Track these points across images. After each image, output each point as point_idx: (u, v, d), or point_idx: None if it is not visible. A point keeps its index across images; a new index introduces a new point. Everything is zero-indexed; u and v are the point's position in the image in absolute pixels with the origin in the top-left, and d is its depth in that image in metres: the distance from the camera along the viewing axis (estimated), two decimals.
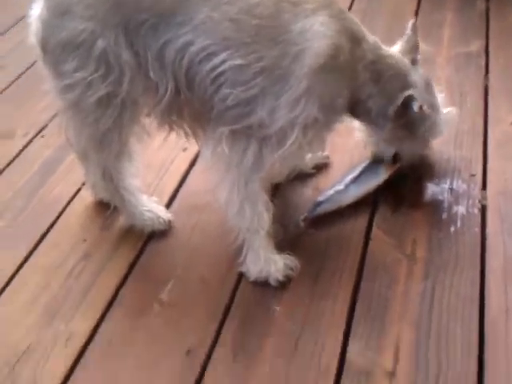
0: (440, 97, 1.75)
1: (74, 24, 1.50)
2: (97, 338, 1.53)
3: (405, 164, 1.80)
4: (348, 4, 2.76)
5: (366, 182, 1.80)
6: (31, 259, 1.74)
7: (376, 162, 1.83)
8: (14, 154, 2.11)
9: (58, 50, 1.54)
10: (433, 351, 1.42)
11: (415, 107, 1.59)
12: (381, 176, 1.80)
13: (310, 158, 1.89)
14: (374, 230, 1.72)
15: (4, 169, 2.06)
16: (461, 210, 1.75)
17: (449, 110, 1.79)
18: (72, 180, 1.96)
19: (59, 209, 1.88)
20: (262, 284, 1.60)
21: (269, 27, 1.48)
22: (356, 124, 1.76)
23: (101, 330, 1.54)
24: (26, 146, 2.15)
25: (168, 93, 1.54)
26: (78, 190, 1.93)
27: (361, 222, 1.74)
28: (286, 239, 1.68)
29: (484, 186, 1.82)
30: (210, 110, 1.55)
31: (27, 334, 1.55)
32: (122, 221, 1.80)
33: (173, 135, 1.69)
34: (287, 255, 1.63)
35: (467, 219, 1.72)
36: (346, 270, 1.62)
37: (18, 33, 2.75)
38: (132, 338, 1.52)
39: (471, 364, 1.40)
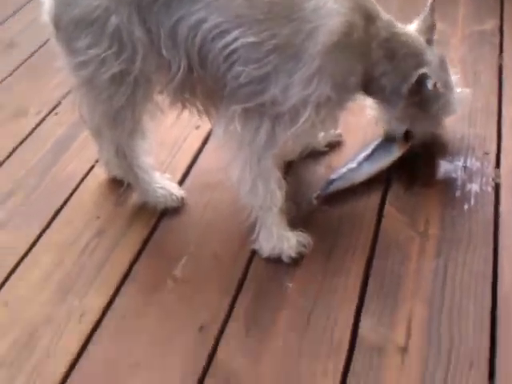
0: (454, 77, 1.74)
1: (87, 1, 1.50)
2: (110, 313, 1.53)
3: (417, 142, 1.79)
4: None
5: (379, 160, 1.80)
6: (44, 236, 1.75)
7: (389, 140, 1.82)
8: (27, 132, 2.11)
9: (71, 27, 1.54)
10: (445, 327, 1.43)
11: (429, 85, 1.58)
12: (393, 154, 1.79)
13: (322, 136, 1.89)
14: (387, 207, 1.72)
15: (17, 147, 2.06)
16: (474, 187, 1.75)
17: (462, 89, 1.79)
18: (85, 157, 1.97)
19: (72, 186, 1.89)
20: (275, 261, 1.60)
21: (282, 4, 1.48)
22: (368, 102, 1.76)
23: (114, 305, 1.55)
24: (39, 124, 2.15)
25: (181, 70, 1.54)
26: (92, 168, 1.93)
27: (373, 199, 1.74)
28: (298, 216, 1.68)
29: (498, 164, 1.81)
30: (223, 88, 1.54)
31: (41, 311, 1.56)
32: (135, 198, 1.81)
33: (185, 113, 1.69)
34: (300, 232, 1.63)
35: (481, 197, 1.72)
36: (358, 247, 1.62)
37: (30, 11, 2.76)
38: (145, 313, 1.53)
39: (483, 340, 1.40)
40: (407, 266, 1.57)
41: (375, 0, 1.58)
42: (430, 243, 1.62)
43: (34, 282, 1.64)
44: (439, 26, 1.74)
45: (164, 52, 1.52)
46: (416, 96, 1.61)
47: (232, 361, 1.41)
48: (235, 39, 1.48)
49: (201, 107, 1.67)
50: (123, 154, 1.74)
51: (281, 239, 1.61)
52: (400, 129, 1.77)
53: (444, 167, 1.82)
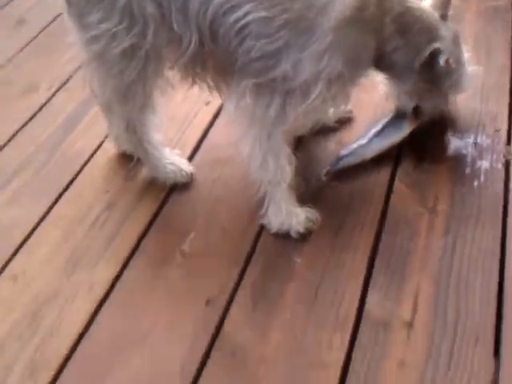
0: (467, 54, 1.73)
1: None
2: (118, 286, 1.55)
3: (427, 118, 1.78)
4: None
5: (389, 137, 1.79)
6: (54, 211, 1.76)
7: (399, 116, 1.81)
8: (37, 108, 2.12)
9: (82, 1, 1.54)
10: (452, 302, 1.43)
11: (441, 61, 1.57)
12: (404, 130, 1.78)
13: (333, 112, 1.88)
14: (396, 183, 1.71)
15: (27, 122, 2.07)
16: (484, 164, 1.74)
17: (474, 67, 1.77)
18: (95, 133, 1.97)
19: (82, 161, 1.89)
20: (283, 236, 1.61)
21: None
22: (379, 77, 1.75)
23: (123, 278, 1.56)
24: (49, 100, 2.15)
25: (192, 45, 1.53)
26: (101, 143, 1.94)
27: (383, 175, 1.74)
28: (307, 192, 1.68)
29: (509, 141, 1.80)
30: (234, 63, 1.54)
31: (50, 283, 1.58)
32: (144, 173, 1.81)
33: (196, 89, 1.68)
34: (309, 208, 1.63)
35: (490, 174, 1.71)
36: (367, 223, 1.62)
37: None
38: (153, 286, 1.54)
39: (490, 316, 1.40)
40: (416, 242, 1.56)
41: None
42: (439, 219, 1.61)
43: (43, 255, 1.65)
44: (454, 0, 1.73)
45: (175, 26, 1.52)
46: (428, 71, 1.60)
47: (239, 334, 1.41)
48: (246, 14, 1.48)
49: (211, 83, 1.67)
50: (133, 129, 1.74)
51: (289, 215, 1.61)
52: (410, 105, 1.76)
53: (454, 144, 1.81)
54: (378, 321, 1.41)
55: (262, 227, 1.63)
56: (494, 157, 1.76)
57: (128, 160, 1.83)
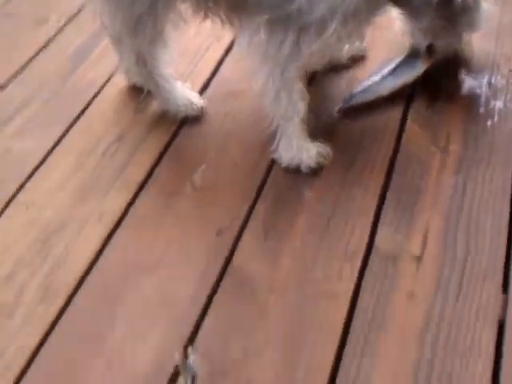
0: None
1: None
2: (129, 215, 1.55)
3: (441, 57, 1.76)
4: None
5: (402, 75, 1.77)
6: (64, 141, 1.76)
7: (413, 55, 1.79)
8: (47, 40, 2.10)
9: None
10: (461, 239, 1.43)
11: None
12: (417, 69, 1.76)
13: (347, 49, 1.86)
14: (409, 122, 1.70)
15: (37, 54, 2.05)
16: (498, 104, 1.72)
17: (490, 6, 1.75)
18: (105, 65, 1.95)
19: (92, 93, 1.88)
20: (294, 171, 1.61)
21: None
22: (394, 14, 1.72)
23: (134, 207, 1.57)
24: (59, 32, 2.13)
25: None
26: (112, 76, 1.92)
27: (395, 114, 1.73)
28: (319, 129, 1.67)
29: None
30: None
31: (60, 212, 1.58)
32: (155, 105, 1.80)
33: (208, 23, 1.66)
34: (320, 143, 1.62)
35: (504, 114, 1.70)
36: (378, 160, 1.62)
37: None
38: (164, 216, 1.54)
39: (499, 255, 1.40)
40: (427, 181, 1.56)
41: None
42: (451, 159, 1.61)
43: (54, 184, 1.65)
44: None
45: None
46: (445, 8, 1.58)
47: (249, 263, 1.42)
48: None
49: (224, 17, 1.64)
50: (144, 62, 1.72)
51: (300, 150, 1.61)
52: (424, 42, 1.73)
53: (468, 83, 1.79)
54: (388, 254, 1.41)
55: (273, 161, 1.63)
56: (508, 97, 1.74)
57: (138, 93, 1.82)
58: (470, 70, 1.81)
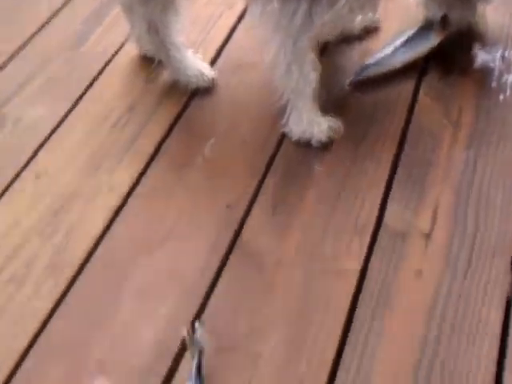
0: None
1: None
2: (140, 186, 1.55)
3: (454, 30, 1.74)
4: None
5: (415, 47, 1.75)
6: (75, 111, 1.76)
7: (426, 27, 1.77)
8: (59, 6, 2.09)
9: None
10: (471, 215, 1.42)
11: None
12: (430, 41, 1.74)
13: (359, 21, 1.83)
14: (421, 95, 1.69)
15: (48, 21, 2.04)
16: (511, 78, 1.70)
17: None
18: (116, 34, 1.95)
19: (103, 62, 1.88)
20: (305, 145, 1.60)
21: None
22: None
23: (144, 179, 1.57)
24: (69, 0, 2.12)
25: None
26: (123, 44, 1.91)
27: (408, 87, 1.71)
28: (330, 102, 1.66)
29: None
30: None
31: (71, 182, 1.59)
32: (166, 76, 1.79)
33: None
34: (331, 117, 1.61)
35: None
36: (389, 134, 1.60)
37: None
38: (175, 189, 1.54)
39: (509, 231, 1.39)
40: (438, 155, 1.55)
41: None
42: (463, 133, 1.60)
43: (65, 155, 1.66)
44: None
45: None
46: None
47: (258, 237, 1.42)
48: None
49: None
50: (155, 30, 1.71)
51: (311, 123, 1.59)
52: (438, 13, 1.72)
53: (481, 57, 1.76)
54: (397, 230, 1.41)
55: (284, 135, 1.62)
56: None
57: (150, 62, 1.81)
58: (484, 43, 1.79)
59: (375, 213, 1.44)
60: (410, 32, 1.78)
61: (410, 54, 1.74)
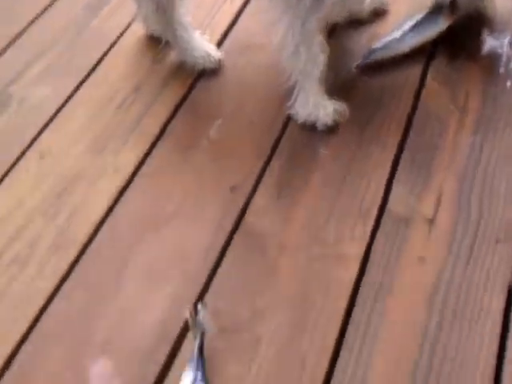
0: None
1: None
2: (145, 167, 1.55)
3: (463, 15, 1.73)
4: None
5: (423, 32, 1.74)
6: (81, 91, 1.76)
7: (435, 11, 1.75)
8: None
9: None
10: (475, 202, 1.42)
11: None
12: (439, 26, 1.73)
13: (368, 3, 1.82)
14: (428, 80, 1.68)
15: (53, 2, 2.03)
16: None
17: None
18: (123, 14, 1.94)
19: (110, 42, 1.88)
20: (310, 128, 1.59)
21: None
22: None
23: (149, 160, 1.57)
24: None
25: None
26: (130, 24, 1.90)
27: (415, 71, 1.70)
28: (337, 85, 1.65)
29: None
30: None
31: (76, 163, 1.59)
32: (173, 56, 1.79)
33: None
34: (337, 101, 1.60)
35: None
36: (396, 118, 1.60)
37: None
38: (179, 170, 1.55)
39: None
40: (444, 140, 1.54)
41: None
42: (469, 118, 1.59)
43: (70, 135, 1.66)
44: None
45: None
46: None
47: (262, 220, 1.42)
48: None
49: None
50: (163, 9, 1.71)
51: (317, 106, 1.59)
52: None
53: (489, 43, 1.75)
54: (401, 216, 1.41)
55: (290, 118, 1.62)
56: None
57: (156, 43, 1.80)
58: (492, 28, 1.78)
59: (380, 197, 1.44)
60: (419, 16, 1.77)
61: (418, 39, 1.73)
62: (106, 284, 1.35)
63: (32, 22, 1.97)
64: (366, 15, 1.83)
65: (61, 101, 1.72)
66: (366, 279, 1.30)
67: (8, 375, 1.22)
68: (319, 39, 1.55)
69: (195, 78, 1.75)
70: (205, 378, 1.15)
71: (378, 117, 1.61)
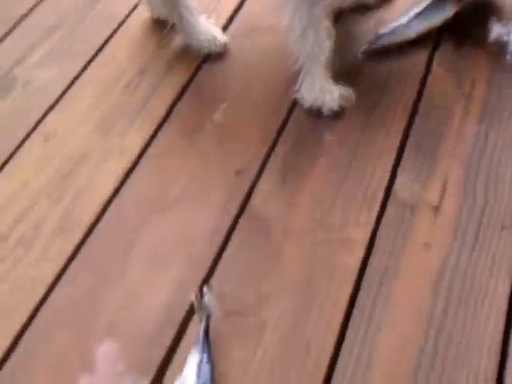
0: None
1: None
2: (150, 151, 1.55)
3: (470, 1, 1.72)
4: None
5: (430, 18, 1.73)
6: (86, 72, 1.76)
7: None
8: None
9: None
10: (480, 189, 1.42)
11: None
12: (446, 12, 1.72)
13: None
14: (434, 67, 1.67)
15: None
16: None
17: None
18: None
19: (115, 24, 1.87)
20: (316, 113, 1.59)
21: None
22: None
23: (154, 144, 1.57)
24: None
25: None
26: (135, 6, 1.90)
27: (421, 58, 1.69)
28: (343, 70, 1.64)
29: None
30: None
31: (81, 144, 1.59)
32: (178, 40, 1.78)
33: None
34: (343, 86, 1.60)
35: None
36: (402, 104, 1.60)
37: None
38: (185, 154, 1.54)
39: None
40: (449, 127, 1.54)
41: None
42: (475, 106, 1.58)
43: (76, 116, 1.65)
44: None
45: None
46: None
47: (267, 205, 1.42)
48: None
49: None
50: None
51: (323, 91, 1.58)
52: None
53: (496, 30, 1.73)
54: (406, 203, 1.41)
55: (295, 102, 1.61)
56: None
57: (162, 26, 1.80)
58: (500, 16, 1.76)
59: (385, 183, 1.44)
60: (426, 2, 1.76)
61: (425, 25, 1.72)
62: (111, 266, 1.35)
63: (37, 3, 1.96)
64: (373, 1, 1.83)
65: (66, 82, 1.72)
66: (371, 264, 1.31)
67: (14, 357, 1.23)
68: (326, 24, 1.54)
69: (201, 61, 1.74)
70: (211, 360, 1.16)
71: (384, 103, 1.61)
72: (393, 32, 1.72)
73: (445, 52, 1.71)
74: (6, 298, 1.32)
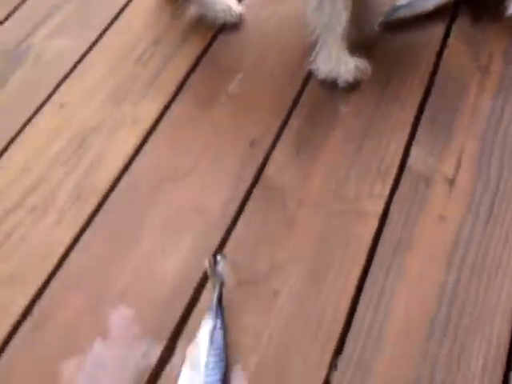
0: None
1: None
2: (165, 119, 1.55)
3: None
4: None
5: None
6: (100, 42, 1.75)
7: None
8: None
9: None
10: (495, 163, 1.41)
11: None
12: None
13: None
14: (451, 39, 1.66)
15: None
16: None
17: None
18: None
19: None
20: (331, 85, 1.58)
21: None
22: None
23: (168, 113, 1.56)
24: None
25: None
26: None
27: (438, 31, 1.68)
28: (359, 43, 1.63)
29: None
30: None
31: (95, 114, 1.59)
32: (193, 10, 1.77)
33: None
34: (359, 58, 1.59)
35: None
36: (417, 76, 1.59)
37: None
38: (199, 124, 1.54)
39: None
40: (465, 101, 1.53)
41: None
42: (491, 80, 1.57)
43: (90, 85, 1.65)
44: None
45: None
46: None
47: (281, 175, 1.42)
48: None
49: None
50: None
51: (339, 62, 1.57)
52: None
53: None
54: (420, 175, 1.40)
55: (310, 73, 1.61)
56: None
57: None
58: None
59: (399, 156, 1.44)
60: None
61: None
62: (125, 234, 1.36)
63: None
64: None
65: (80, 52, 1.72)
66: (384, 236, 1.31)
67: (28, 322, 1.24)
68: None
69: (216, 31, 1.73)
70: (224, 325, 1.17)
71: (400, 75, 1.60)
72: (410, 4, 1.70)
73: (462, 25, 1.70)
74: (22, 263, 1.33)
